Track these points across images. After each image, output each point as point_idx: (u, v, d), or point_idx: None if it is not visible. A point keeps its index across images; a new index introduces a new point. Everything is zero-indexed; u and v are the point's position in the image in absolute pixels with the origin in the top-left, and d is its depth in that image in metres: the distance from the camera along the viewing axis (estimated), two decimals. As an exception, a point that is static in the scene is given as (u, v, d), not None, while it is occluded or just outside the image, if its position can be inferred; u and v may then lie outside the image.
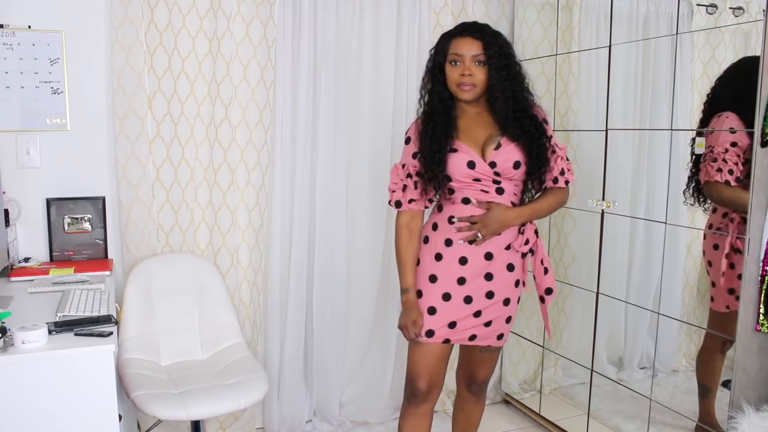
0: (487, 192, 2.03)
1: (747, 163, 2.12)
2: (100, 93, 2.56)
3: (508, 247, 2.06)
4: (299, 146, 2.77)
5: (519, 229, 2.07)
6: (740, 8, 2.32)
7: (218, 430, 2.81)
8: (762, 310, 2.05)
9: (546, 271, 2.16)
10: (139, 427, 2.53)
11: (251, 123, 2.74)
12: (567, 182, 2.10)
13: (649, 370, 2.86)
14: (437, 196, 2.11)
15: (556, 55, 3.01)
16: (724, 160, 2.22)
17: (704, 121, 2.39)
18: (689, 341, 2.82)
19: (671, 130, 2.49)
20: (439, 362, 2.14)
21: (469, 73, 1.97)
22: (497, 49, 1.98)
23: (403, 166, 2.10)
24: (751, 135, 2.03)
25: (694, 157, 2.41)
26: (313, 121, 2.81)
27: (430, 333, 2.09)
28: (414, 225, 2.12)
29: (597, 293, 2.76)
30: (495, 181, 2.02)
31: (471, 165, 2.00)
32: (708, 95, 2.40)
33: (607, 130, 2.66)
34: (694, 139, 2.41)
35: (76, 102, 2.53)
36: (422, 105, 2.10)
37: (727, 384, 2.33)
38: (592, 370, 2.82)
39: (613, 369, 3.04)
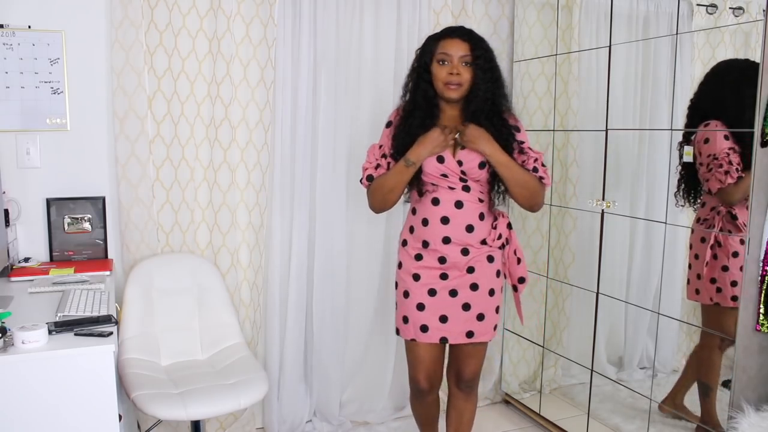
0: (453, 189, 2.11)
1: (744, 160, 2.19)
2: (100, 93, 2.56)
3: (483, 242, 2.15)
4: (299, 146, 2.77)
5: (492, 224, 2.16)
6: (740, 8, 2.32)
7: (218, 430, 2.81)
8: (762, 310, 2.05)
9: (519, 261, 2.25)
10: (139, 427, 2.53)
11: (251, 123, 2.74)
12: (541, 179, 2.15)
13: (649, 370, 2.86)
14: (407, 192, 2.19)
15: (556, 55, 3.01)
16: (730, 162, 2.24)
17: (689, 127, 2.41)
18: (689, 341, 2.81)
19: (671, 130, 2.49)
20: (434, 363, 2.26)
21: (456, 72, 2.06)
22: (483, 52, 2.09)
23: (380, 147, 2.21)
24: (739, 136, 2.05)
25: (682, 161, 2.43)
26: (313, 121, 2.81)
27: (424, 328, 2.17)
28: None
29: (597, 293, 2.76)
30: (462, 179, 2.11)
31: (440, 160, 2.09)
32: (691, 100, 2.42)
33: (607, 130, 2.66)
34: (681, 144, 2.42)
35: (76, 102, 2.53)
36: (403, 102, 2.18)
37: (727, 384, 2.32)
38: (592, 370, 2.82)
39: (613, 369, 3.04)
